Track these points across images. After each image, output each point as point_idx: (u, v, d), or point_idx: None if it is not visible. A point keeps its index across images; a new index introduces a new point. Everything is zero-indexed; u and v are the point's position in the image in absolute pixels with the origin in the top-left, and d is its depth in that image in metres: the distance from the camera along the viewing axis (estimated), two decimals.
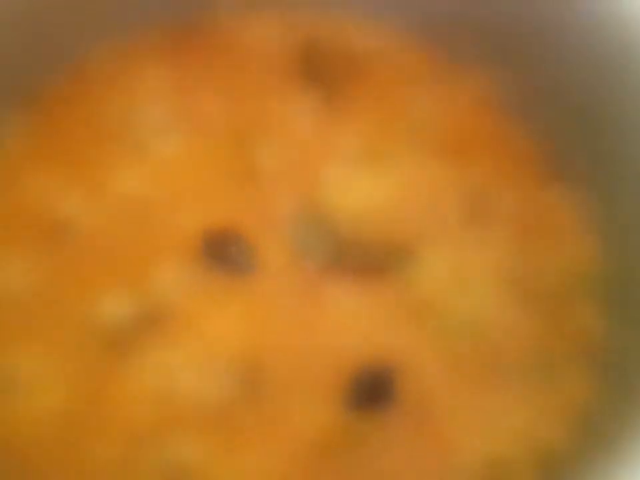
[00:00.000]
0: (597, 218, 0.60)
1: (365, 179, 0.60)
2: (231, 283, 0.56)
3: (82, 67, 0.63)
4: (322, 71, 0.64)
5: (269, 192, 0.59)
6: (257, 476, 0.52)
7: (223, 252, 0.56)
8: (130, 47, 0.64)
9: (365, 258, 0.57)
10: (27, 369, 0.53)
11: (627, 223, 0.57)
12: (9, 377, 0.53)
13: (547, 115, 0.63)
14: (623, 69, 0.55)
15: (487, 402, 0.55)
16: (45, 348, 0.54)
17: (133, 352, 0.54)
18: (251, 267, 0.56)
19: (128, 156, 0.59)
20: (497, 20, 0.62)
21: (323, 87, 0.63)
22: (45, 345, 0.54)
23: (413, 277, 0.57)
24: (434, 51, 0.66)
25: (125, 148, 0.60)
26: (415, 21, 0.66)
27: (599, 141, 0.59)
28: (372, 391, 0.53)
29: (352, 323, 0.56)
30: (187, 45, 0.64)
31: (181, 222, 0.57)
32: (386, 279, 0.57)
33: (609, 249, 0.59)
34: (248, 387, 0.53)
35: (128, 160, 0.59)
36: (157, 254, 0.56)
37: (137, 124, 0.61)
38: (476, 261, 0.58)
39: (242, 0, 0.64)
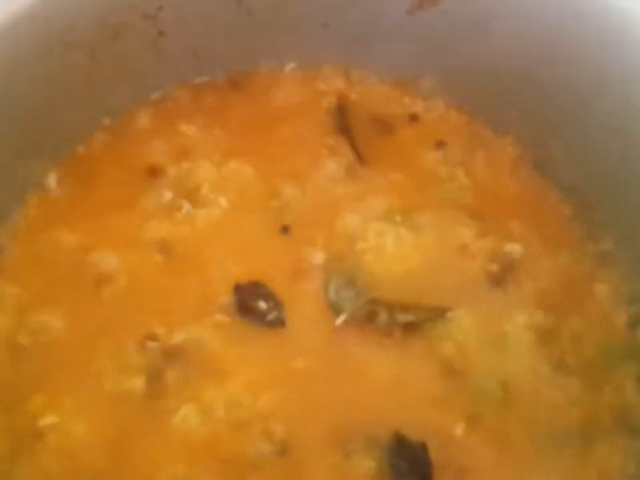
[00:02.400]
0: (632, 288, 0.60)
1: (396, 238, 0.60)
2: (260, 338, 0.56)
3: (120, 124, 0.66)
4: (353, 131, 0.65)
5: (300, 247, 0.59)
6: None
7: (253, 306, 0.56)
8: (168, 105, 0.66)
9: (396, 317, 0.57)
10: (62, 425, 0.53)
11: None
12: (42, 433, 0.52)
13: (580, 178, 0.63)
14: None
15: (520, 473, 0.53)
16: (81, 401, 0.53)
17: (168, 402, 0.54)
18: (280, 322, 0.56)
19: (161, 212, 0.61)
20: (531, 87, 0.63)
21: (354, 146, 0.64)
22: (83, 397, 0.54)
23: (444, 336, 0.56)
24: (466, 116, 0.68)
25: (158, 203, 0.61)
26: (450, 88, 0.67)
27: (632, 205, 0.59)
28: (408, 465, 0.52)
29: (383, 384, 0.55)
30: (224, 104, 0.66)
31: (212, 275, 0.58)
32: (416, 338, 0.56)
33: None
34: (275, 444, 0.52)
35: (161, 216, 0.60)
36: (189, 306, 0.57)
37: (171, 180, 0.62)
38: (508, 322, 0.57)
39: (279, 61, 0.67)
